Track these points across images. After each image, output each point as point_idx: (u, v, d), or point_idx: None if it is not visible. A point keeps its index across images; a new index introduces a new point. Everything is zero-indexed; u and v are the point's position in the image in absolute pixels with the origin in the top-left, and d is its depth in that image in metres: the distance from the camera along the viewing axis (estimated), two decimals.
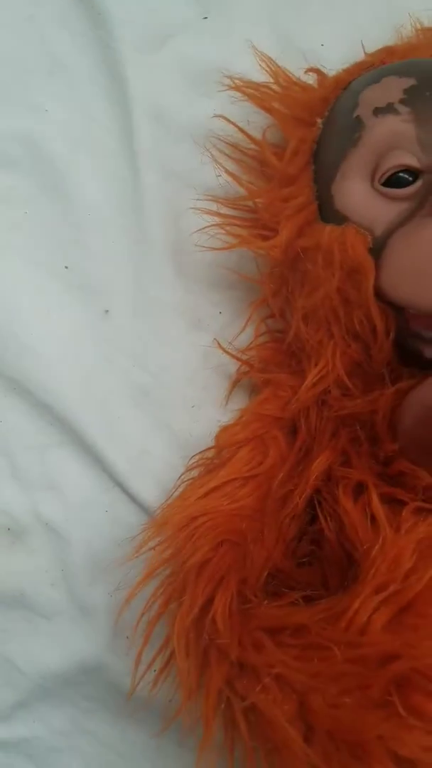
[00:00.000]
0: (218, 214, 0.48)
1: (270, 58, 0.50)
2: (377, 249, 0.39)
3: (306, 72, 0.50)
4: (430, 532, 0.36)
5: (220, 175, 0.49)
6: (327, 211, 0.42)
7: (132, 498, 0.52)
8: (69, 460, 0.53)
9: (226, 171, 0.49)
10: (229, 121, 0.50)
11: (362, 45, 0.49)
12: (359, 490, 0.40)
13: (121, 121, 0.56)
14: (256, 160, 0.50)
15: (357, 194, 0.41)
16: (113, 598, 0.51)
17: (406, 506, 0.38)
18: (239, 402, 0.51)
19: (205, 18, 0.57)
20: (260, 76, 0.50)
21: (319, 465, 0.41)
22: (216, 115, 0.50)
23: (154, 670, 0.42)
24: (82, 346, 0.54)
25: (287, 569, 0.41)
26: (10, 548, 0.53)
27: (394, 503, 0.39)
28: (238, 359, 0.49)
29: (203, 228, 0.48)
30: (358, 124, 0.42)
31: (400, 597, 0.34)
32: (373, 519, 0.38)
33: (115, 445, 0.52)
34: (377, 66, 0.46)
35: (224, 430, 0.45)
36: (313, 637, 0.34)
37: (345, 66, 0.48)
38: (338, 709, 0.32)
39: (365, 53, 0.49)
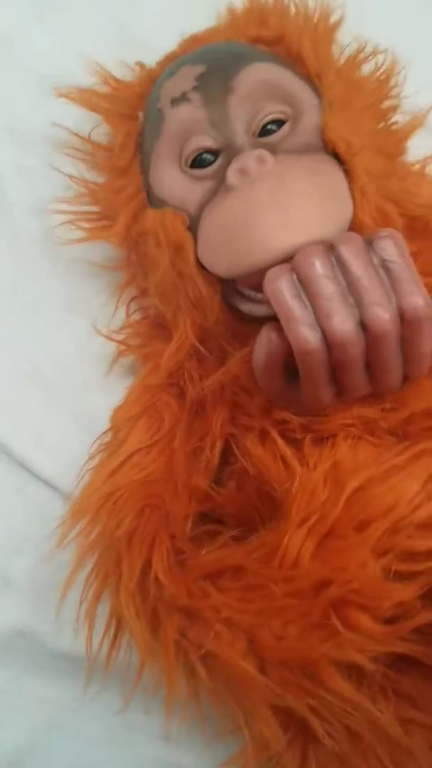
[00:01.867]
0: (69, 212, 0.51)
1: (97, 62, 0.53)
2: (194, 225, 0.43)
3: (135, 66, 0.53)
4: (335, 461, 0.38)
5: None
6: (152, 199, 0.46)
7: (37, 476, 0.54)
8: None
9: (71, 174, 0.52)
10: (62, 126, 0.53)
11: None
12: (263, 436, 0.42)
13: None
14: (88, 161, 0.53)
15: (169, 179, 0.45)
16: (33, 569, 0.52)
17: (304, 441, 0.40)
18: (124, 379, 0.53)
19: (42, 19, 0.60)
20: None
21: (218, 417, 0.44)
22: (53, 124, 0.54)
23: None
24: None
25: (213, 507, 0.44)
26: None
27: (291, 441, 0.41)
28: (114, 340, 0.52)
29: (57, 225, 0.51)
30: (160, 116, 0.45)
31: (321, 525, 0.37)
32: (283, 459, 0.40)
33: (13, 427, 0.54)
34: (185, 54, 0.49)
35: (118, 410, 0.47)
36: (251, 577, 0.37)
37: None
38: (285, 640, 0.35)
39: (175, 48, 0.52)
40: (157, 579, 0.39)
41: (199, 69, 0.45)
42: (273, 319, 0.37)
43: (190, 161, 0.44)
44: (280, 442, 0.41)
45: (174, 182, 0.44)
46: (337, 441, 0.39)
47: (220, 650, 0.36)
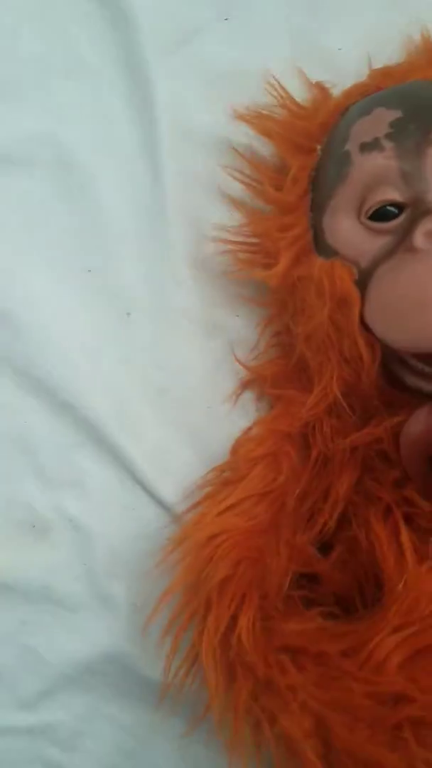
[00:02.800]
0: (228, 242, 0.50)
1: (278, 82, 0.51)
2: (363, 281, 0.41)
3: (314, 86, 0.51)
4: None
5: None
6: (320, 243, 0.44)
7: (151, 495, 0.53)
8: (90, 459, 0.55)
9: (232, 199, 0.51)
10: (237, 152, 0.52)
11: (369, 60, 0.50)
12: (387, 512, 0.42)
13: (141, 124, 0.56)
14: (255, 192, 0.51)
15: (344, 229, 0.42)
16: (132, 591, 0.53)
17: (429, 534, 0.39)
18: (249, 405, 0.52)
19: (226, 19, 0.56)
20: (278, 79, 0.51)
21: (346, 479, 0.43)
22: (230, 147, 0.52)
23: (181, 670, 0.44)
24: (104, 348, 0.55)
25: (314, 574, 0.44)
26: (35, 544, 0.55)
27: (415, 529, 0.40)
28: (247, 368, 0.51)
29: (215, 253, 0.51)
30: (347, 160, 0.43)
31: (418, 639, 0.36)
32: (399, 544, 0.39)
33: (134, 444, 0.54)
34: (373, 91, 0.47)
35: (240, 445, 0.47)
36: (331, 666, 0.37)
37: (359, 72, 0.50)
38: (354, 733, 0.35)
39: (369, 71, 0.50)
40: (239, 640, 0.39)
41: (396, 114, 0.42)
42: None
43: (371, 213, 0.42)
44: (402, 524, 0.40)
45: (350, 233, 0.42)
46: None
47: (287, 724, 0.36)
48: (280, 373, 0.49)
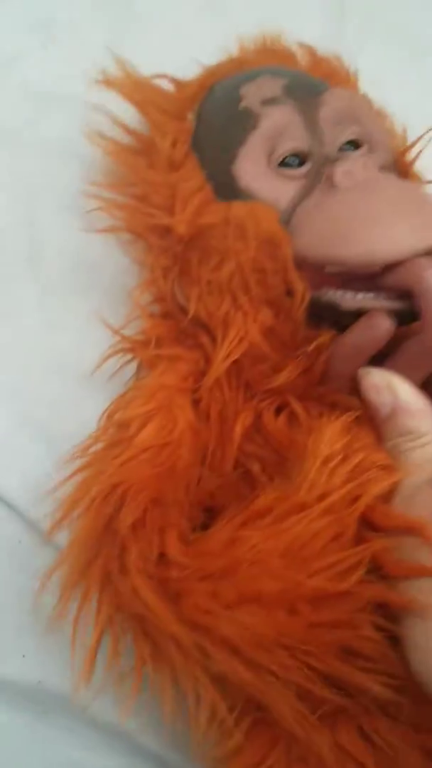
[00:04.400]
0: (103, 199, 0.50)
1: (127, 61, 0.53)
2: (284, 221, 0.44)
3: (153, 78, 0.54)
4: (356, 421, 0.41)
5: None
6: (226, 192, 0.46)
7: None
8: None
9: (113, 154, 0.51)
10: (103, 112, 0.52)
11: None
12: (280, 409, 0.44)
13: None
14: (131, 153, 0.52)
15: (259, 173, 0.45)
16: None
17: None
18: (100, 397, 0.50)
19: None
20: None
21: (239, 427, 0.43)
22: (84, 102, 0.53)
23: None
24: None
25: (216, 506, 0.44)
26: None
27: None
28: (125, 338, 0.49)
29: (90, 210, 0.50)
30: (249, 113, 0.46)
31: (348, 463, 0.38)
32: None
33: None
34: (235, 70, 0.52)
35: (125, 403, 0.45)
36: (280, 510, 0.38)
37: None
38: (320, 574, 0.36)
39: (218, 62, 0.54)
40: (176, 561, 0.37)
41: (283, 80, 0.47)
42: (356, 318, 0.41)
43: (281, 160, 0.45)
44: (296, 405, 0.43)
45: (266, 178, 0.45)
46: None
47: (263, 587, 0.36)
48: (164, 335, 0.48)
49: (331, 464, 0.38)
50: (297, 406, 0.43)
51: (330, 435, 0.39)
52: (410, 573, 0.36)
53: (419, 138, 0.50)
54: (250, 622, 0.35)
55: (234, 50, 0.57)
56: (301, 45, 0.55)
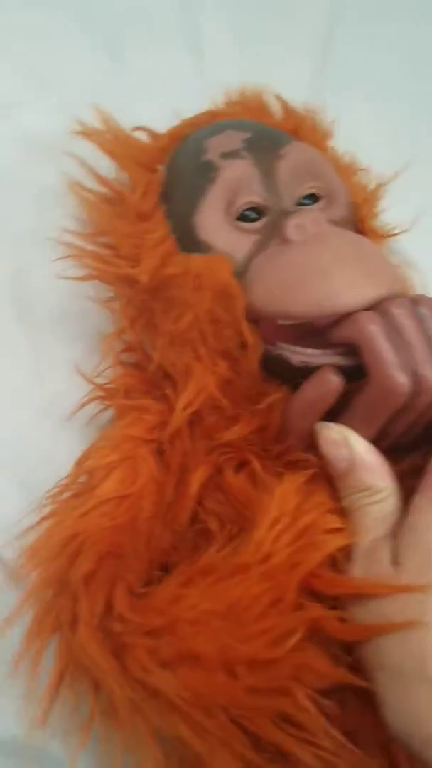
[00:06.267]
0: (75, 247, 0.51)
1: (108, 114, 0.55)
2: (239, 273, 0.45)
3: (134, 130, 0.56)
4: (310, 480, 0.41)
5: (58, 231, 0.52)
6: (187, 243, 0.47)
7: None
8: None
9: (87, 204, 0.52)
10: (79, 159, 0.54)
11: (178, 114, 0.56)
12: (241, 466, 0.44)
13: None
14: (105, 203, 0.53)
15: (217, 225, 0.46)
16: None
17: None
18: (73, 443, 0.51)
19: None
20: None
21: (197, 479, 0.44)
22: (64, 152, 0.54)
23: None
24: None
25: (172, 562, 0.44)
26: None
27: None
28: (99, 386, 0.51)
29: (58, 259, 0.51)
30: (211, 166, 0.47)
31: (295, 526, 0.38)
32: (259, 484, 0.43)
33: None
34: (206, 123, 0.53)
35: (93, 452, 0.46)
36: (222, 569, 0.38)
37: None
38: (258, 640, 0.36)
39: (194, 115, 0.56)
40: (121, 616, 0.38)
41: (245, 134, 0.48)
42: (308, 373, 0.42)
43: (239, 214, 0.46)
44: (257, 465, 0.44)
45: (223, 230, 0.46)
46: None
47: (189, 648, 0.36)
48: (133, 386, 0.49)
49: (278, 526, 0.38)
50: (256, 464, 0.44)
51: (281, 495, 0.40)
52: (358, 635, 0.37)
53: (378, 188, 0.52)
54: (189, 681, 0.36)
55: (218, 101, 0.59)
56: (278, 97, 0.57)
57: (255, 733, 0.35)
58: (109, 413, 0.51)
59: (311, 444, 0.43)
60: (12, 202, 0.60)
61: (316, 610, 0.36)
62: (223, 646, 0.36)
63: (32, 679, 0.41)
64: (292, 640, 0.35)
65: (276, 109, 0.57)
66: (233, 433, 0.44)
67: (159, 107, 0.57)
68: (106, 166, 0.54)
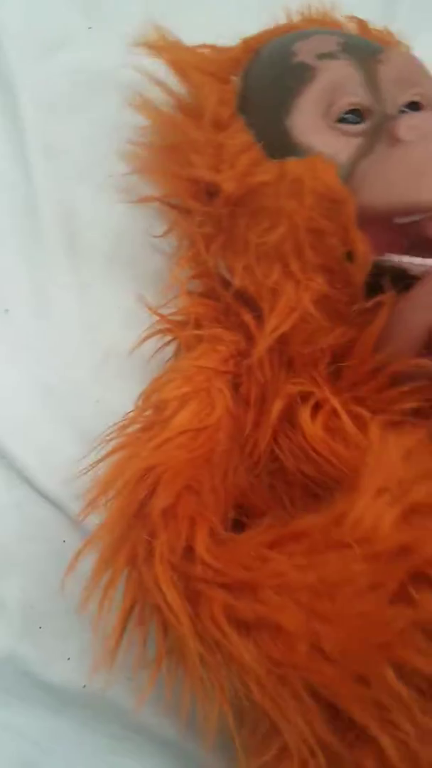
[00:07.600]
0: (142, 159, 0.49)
1: (168, 31, 0.50)
2: (342, 178, 0.41)
3: (198, 48, 0.51)
4: (417, 443, 0.37)
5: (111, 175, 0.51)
6: (277, 149, 0.43)
7: (40, 493, 0.51)
8: None
9: (158, 116, 0.49)
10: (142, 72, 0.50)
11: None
12: (317, 407, 0.41)
13: (10, 124, 0.57)
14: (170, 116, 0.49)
15: (316, 127, 0.43)
16: (25, 592, 0.49)
17: (372, 420, 0.39)
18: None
19: (90, 28, 0.59)
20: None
21: (277, 408, 0.42)
22: (131, 66, 0.50)
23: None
24: None
25: (249, 504, 0.42)
26: None
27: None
28: (163, 317, 0.48)
29: (125, 174, 0.49)
30: (304, 67, 0.44)
31: (404, 501, 0.35)
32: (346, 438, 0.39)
33: (21, 442, 0.51)
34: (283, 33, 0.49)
35: (162, 385, 0.44)
36: (317, 540, 0.35)
37: None
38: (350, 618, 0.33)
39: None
40: (201, 559, 0.35)
41: (339, 38, 0.45)
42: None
43: (337, 117, 0.43)
44: (341, 410, 0.40)
45: (322, 133, 0.43)
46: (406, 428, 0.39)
47: (282, 619, 0.33)
48: (204, 314, 0.47)
49: (383, 500, 0.35)
50: (336, 404, 0.41)
51: (387, 461, 0.36)
52: None
53: None
54: (268, 648, 0.33)
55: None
56: (350, 18, 0.52)
57: (331, 709, 0.33)
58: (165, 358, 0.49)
59: (418, 351, 0.40)
60: (72, 132, 0.57)
61: (427, 608, 0.33)
62: (310, 622, 0.33)
63: (100, 613, 0.39)
64: (392, 632, 0.32)
65: (350, 28, 0.52)
66: (331, 338, 0.41)
67: (217, 33, 0.52)
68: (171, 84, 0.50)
